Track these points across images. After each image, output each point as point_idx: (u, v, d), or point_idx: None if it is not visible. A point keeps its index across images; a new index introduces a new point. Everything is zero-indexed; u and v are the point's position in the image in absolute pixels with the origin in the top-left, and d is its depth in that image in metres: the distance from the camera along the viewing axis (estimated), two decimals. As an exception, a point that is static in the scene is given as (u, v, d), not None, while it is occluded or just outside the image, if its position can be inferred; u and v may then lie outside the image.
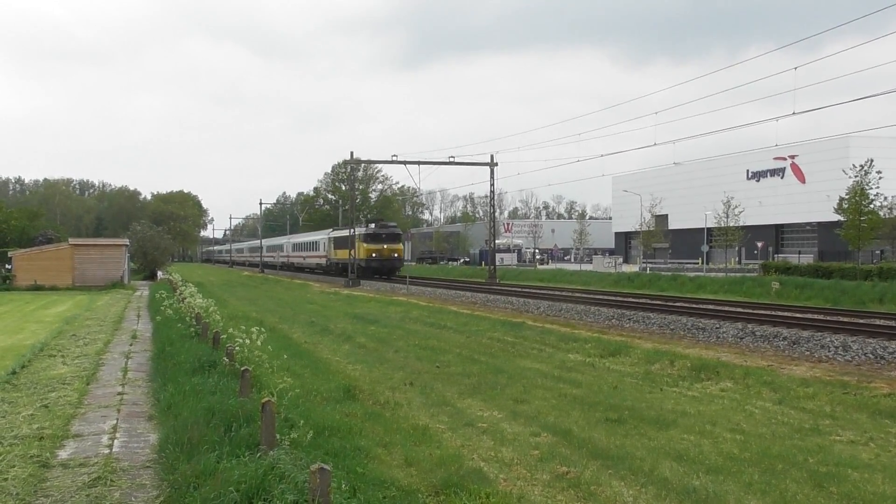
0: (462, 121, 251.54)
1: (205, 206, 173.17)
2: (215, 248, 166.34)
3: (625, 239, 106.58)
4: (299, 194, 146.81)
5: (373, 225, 57.57)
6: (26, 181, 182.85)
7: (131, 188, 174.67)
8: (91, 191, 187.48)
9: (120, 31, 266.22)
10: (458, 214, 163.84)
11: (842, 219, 44.62)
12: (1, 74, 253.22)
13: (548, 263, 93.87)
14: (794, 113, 26.36)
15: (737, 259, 75.94)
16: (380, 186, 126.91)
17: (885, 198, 45.35)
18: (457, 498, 6.84)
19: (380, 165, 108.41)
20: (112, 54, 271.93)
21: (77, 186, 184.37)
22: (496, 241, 64.69)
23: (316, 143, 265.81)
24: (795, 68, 23.26)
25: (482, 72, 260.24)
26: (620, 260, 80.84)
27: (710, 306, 26.73)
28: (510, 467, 8.14)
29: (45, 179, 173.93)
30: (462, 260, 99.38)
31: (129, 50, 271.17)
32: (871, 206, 42.74)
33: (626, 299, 30.53)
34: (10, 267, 48.79)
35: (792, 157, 79.53)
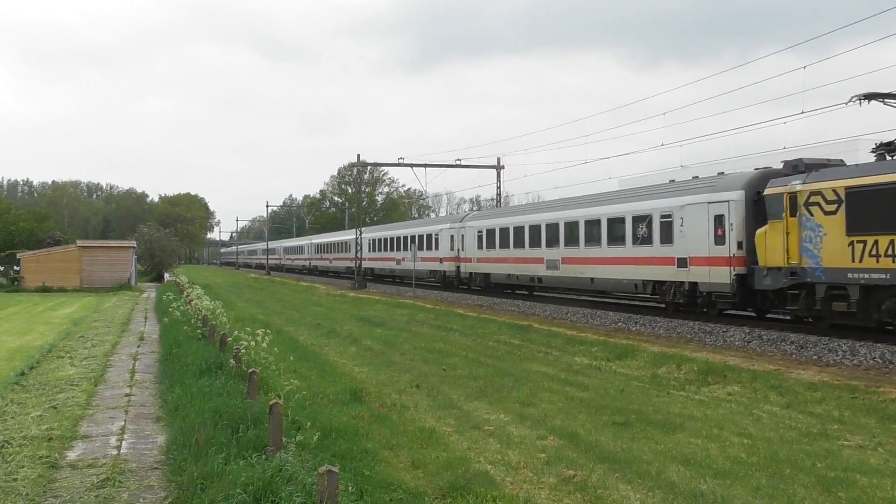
0: (469, 123, 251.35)
1: (211, 208, 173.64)
2: (239, 247, 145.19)
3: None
4: (305, 197, 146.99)
5: None
6: (35, 183, 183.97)
7: (139, 190, 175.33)
8: (99, 193, 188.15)
9: (130, 35, 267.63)
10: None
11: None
12: (11, 77, 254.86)
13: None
14: (802, 112, 25.96)
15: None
16: (386, 189, 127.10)
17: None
18: (463, 501, 6.85)
19: (386, 168, 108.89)
20: (122, 58, 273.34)
21: (85, 189, 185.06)
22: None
23: (323, 145, 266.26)
24: (804, 67, 23.01)
25: (490, 74, 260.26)
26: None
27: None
28: (517, 470, 8.14)
29: (54, 182, 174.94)
30: None
31: (138, 53, 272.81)
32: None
33: (632, 302, 30.45)
34: (18, 268, 49.08)
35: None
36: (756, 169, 21.28)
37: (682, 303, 22.48)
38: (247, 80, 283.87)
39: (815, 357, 16.20)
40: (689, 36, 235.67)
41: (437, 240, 41.31)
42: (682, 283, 22.12)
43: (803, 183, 18.10)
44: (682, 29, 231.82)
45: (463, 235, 37.65)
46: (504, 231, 33.39)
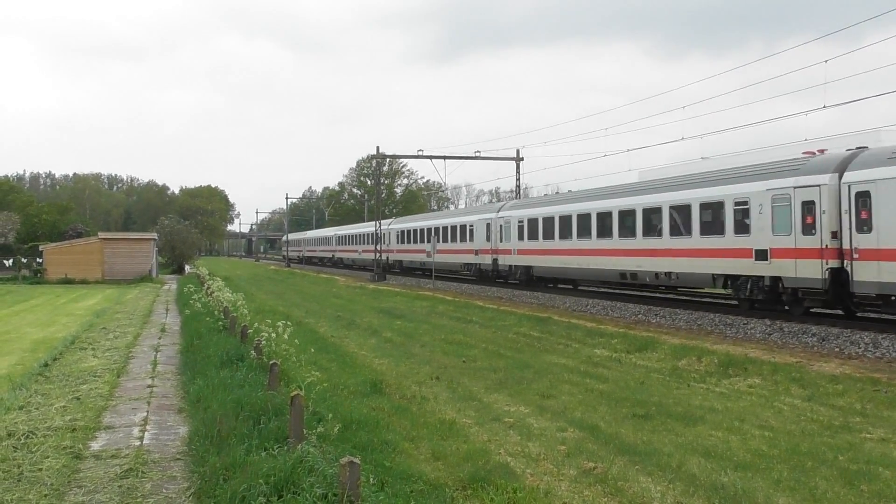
0: (490, 115, 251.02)
1: (231, 200, 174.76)
2: (300, 234, 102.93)
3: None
4: (325, 189, 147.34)
5: None
6: (57, 176, 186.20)
7: (159, 183, 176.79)
8: (120, 185, 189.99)
9: (154, 28, 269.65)
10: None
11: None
12: (35, 69, 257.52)
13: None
14: (824, 106, 25.75)
15: (765, 254, 74.62)
16: (405, 181, 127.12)
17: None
18: (484, 492, 6.86)
19: (405, 160, 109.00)
20: (145, 51, 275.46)
21: (106, 181, 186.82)
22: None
23: (344, 138, 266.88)
24: (826, 61, 22.75)
25: (513, 66, 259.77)
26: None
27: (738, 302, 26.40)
28: (537, 462, 8.14)
29: (75, 174, 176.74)
30: None
31: (162, 46, 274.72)
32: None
33: (652, 294, 30.30)
34: (41, 261, 49.66)
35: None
36: None
37: None
38: (269, 72, 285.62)
39: (837, 349, 16.06)
40: (715, 26, 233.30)
41: (736, 212, 22.58)
42: None
43: None
44: (708, 18, 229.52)
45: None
46: None
